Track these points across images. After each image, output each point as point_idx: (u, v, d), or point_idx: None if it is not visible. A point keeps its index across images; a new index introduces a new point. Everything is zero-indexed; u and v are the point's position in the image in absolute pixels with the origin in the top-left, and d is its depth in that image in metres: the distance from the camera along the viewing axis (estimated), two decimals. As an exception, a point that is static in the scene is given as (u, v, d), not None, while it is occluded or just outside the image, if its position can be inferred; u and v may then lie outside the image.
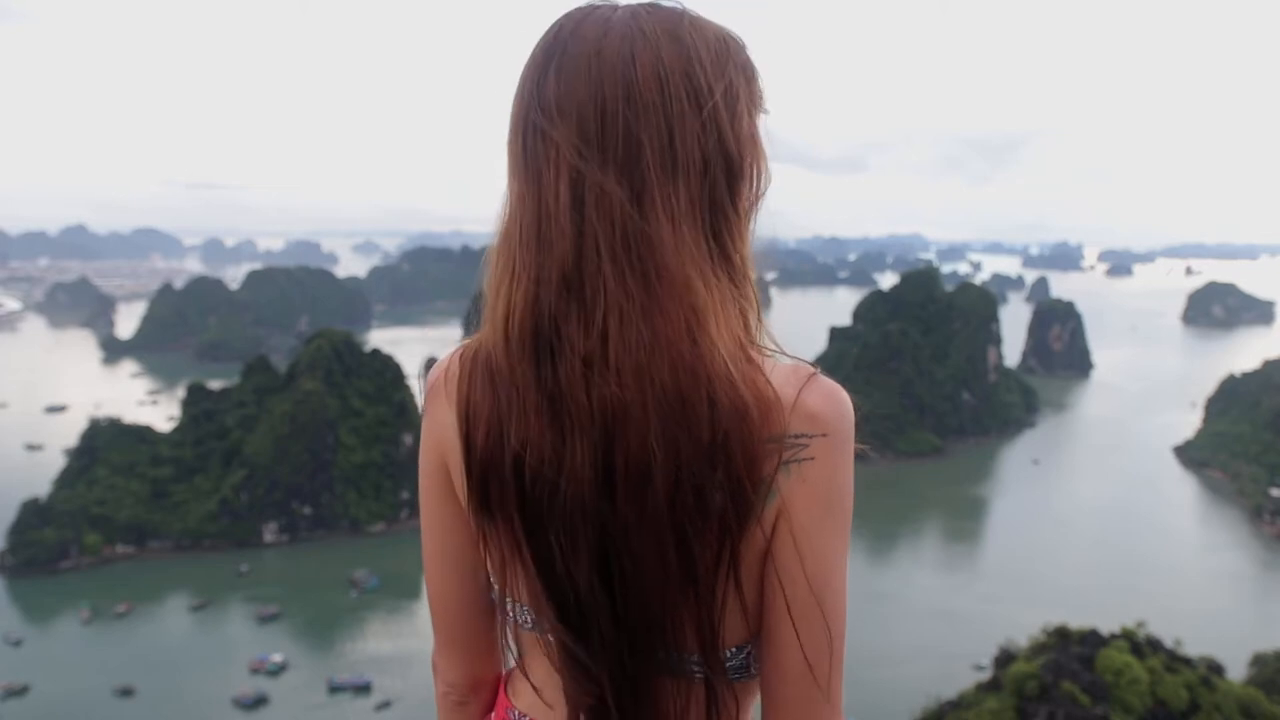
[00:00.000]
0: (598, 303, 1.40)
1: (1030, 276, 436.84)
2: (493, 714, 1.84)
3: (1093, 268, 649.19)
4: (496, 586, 1.65)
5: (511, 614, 1.65)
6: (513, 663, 1.80)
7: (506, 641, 1.72)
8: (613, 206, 1.39)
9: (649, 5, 1.49)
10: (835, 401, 1.54)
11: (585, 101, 1.41)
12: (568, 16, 1.50)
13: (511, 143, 1.51)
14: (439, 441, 1.70)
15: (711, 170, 1.45)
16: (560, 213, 1.41)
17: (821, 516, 1.51)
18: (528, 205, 1.47)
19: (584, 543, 1.42)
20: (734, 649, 1.52)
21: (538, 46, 1.51)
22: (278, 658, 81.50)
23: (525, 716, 1.72)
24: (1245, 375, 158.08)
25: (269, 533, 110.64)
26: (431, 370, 1.81)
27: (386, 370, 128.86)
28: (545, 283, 1.44)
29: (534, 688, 1.68)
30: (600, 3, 1.51)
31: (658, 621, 1.44)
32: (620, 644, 1.45)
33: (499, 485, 1.48)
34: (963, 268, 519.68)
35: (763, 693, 1.56)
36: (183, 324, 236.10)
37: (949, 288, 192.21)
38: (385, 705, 74.58)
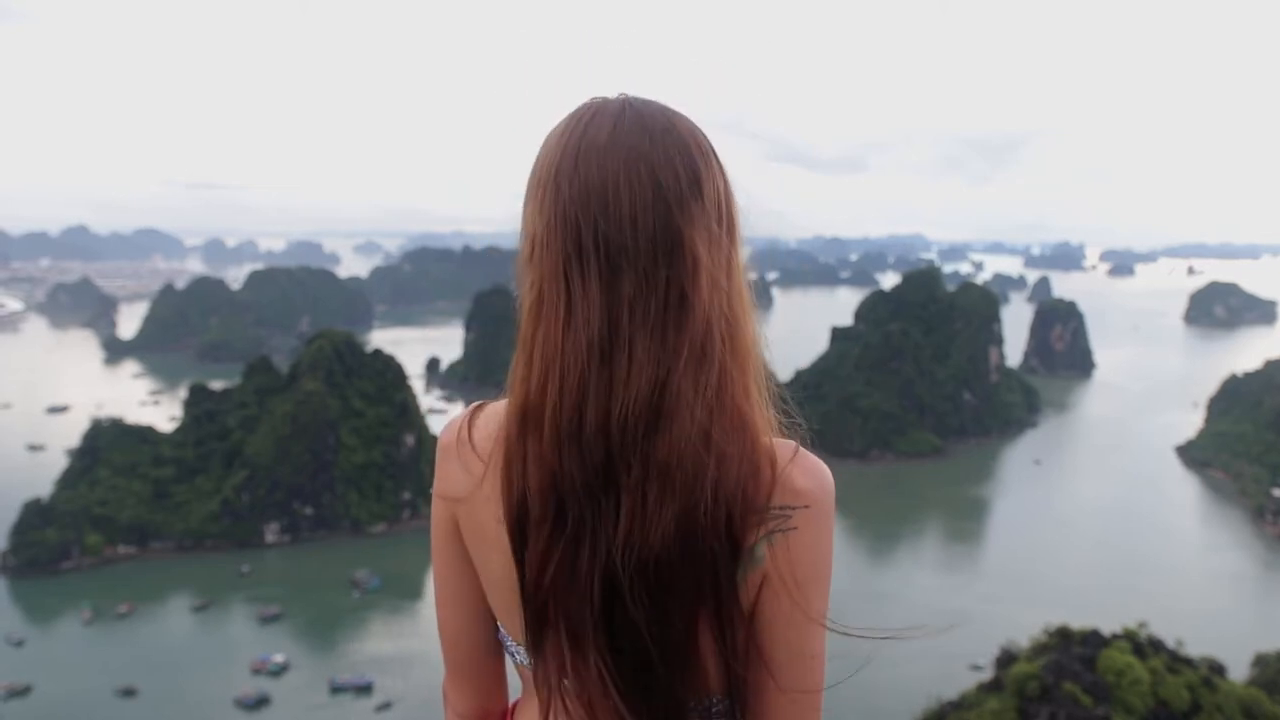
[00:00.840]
0: (680, 405, 1.61)
1: (1032, 276, 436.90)
2: None
3: (1094, 267, 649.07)
4: (524, 651, 1.81)
5: (520, 659, 1.86)
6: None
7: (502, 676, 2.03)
8: (719, 295, 1.69)
9: (661, 105, 1.74)
10: (817, 477, 1.68)
11: (650, 204, 1.63)
12: (604, 112, 1.68)
13: (567, 255, 1.64)
14: (451, 500, 1.86)
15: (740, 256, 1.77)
16: (637, 320, 1.63)
17: (803, 582, 1.65)
18: (598, 318, 1.62)
19: (644, 613, 1.60)
20: (719, 696, 1.72)
21: (586, 143, 1.66)
22: (279, 658, 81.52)
23: None
24: (1247, 375, 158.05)
25: (270, 533, 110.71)
26: (444, 431, 1.89)
27: (388, 371, 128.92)
28: (632, 400, 1.60)
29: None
30: (616, 97, 1.72)
31: (683, 675, 1.66)
32: (665, 700, 1.66)
33: (574, 600, 1.64)
34: (964, 268, 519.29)
35: None
36: (184, 324, 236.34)
37: (950, 288, 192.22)
38: (385, 706, 74.53)
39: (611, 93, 1.64)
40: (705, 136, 1.72)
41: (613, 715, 1.67)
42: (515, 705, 2.03)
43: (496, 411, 1.82)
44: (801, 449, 1.70)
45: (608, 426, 1.59)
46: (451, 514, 1.87)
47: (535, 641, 1.72)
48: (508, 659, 1.98)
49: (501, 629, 1.91)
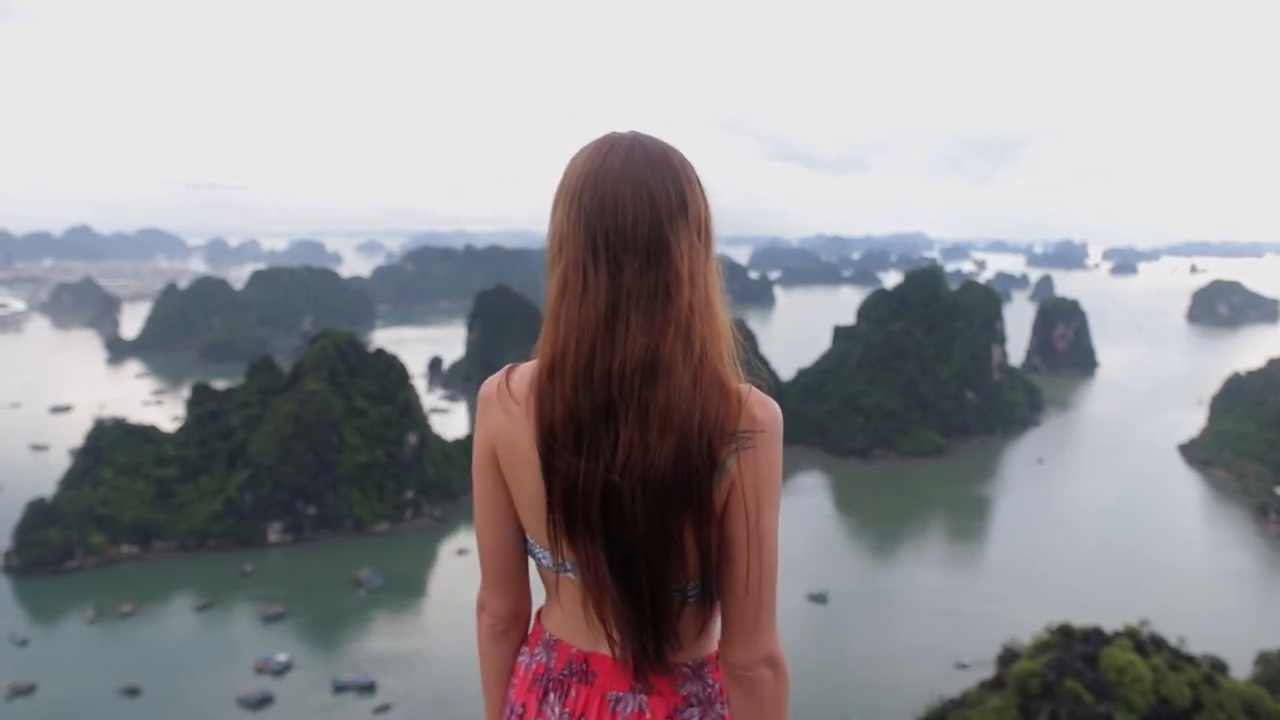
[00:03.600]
0: (673, 365, 2.28)
1: (1034, 275, 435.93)
2: (530, 636, 2.73)
3: (1097, 266, 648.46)
4: (548, 553, 2.51)
5: (544, 561, 2.54)
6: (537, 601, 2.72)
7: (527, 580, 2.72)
8: (698, 287, 2.36)
9: (662, 141, 2.44)
10: (770, 409, 2.36)
11: (643, 216, 2.33)
12: (619, 145, 2.40)
13: (585, 251, 2.33)
14: (490, 434, 2.53)
15: (714, 256, 2.46)
16: (637, 299, 2.31)
17: (759, 489, 2.32)
18: (605, 299, 2.30)
19: (643, 517, 2.26)
20: (694, 582, 2.41)
21: (604, 169, 2.35)
22: (282, 657, 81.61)
23: (555, 636, 2.61)
24: (1250, 374, 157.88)
25: (273, 533, 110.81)
26: (485, 386, 2.55)
27: (391, 370, 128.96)
28: (627, 358, 2.27)
29: (561, 615, 2.58)
30: (627, 132, 2.45)
31: (670, 564, 2.33)
32: (652, 583, 2.33)
33: (585, 504, 2.30)
34: (967, 266, 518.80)
35: (721, 610, 2.45)
36: (187, 324, 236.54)
37: (953, 286, 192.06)
38: (384, 709, 74.21)
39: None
40: (692, 168, 2.41)
41: (610, 595, 2.35)
42: (543, 605, 2.69)
43: (526, 369, 2.48)
44: (755, 389, 2.37)
45: (609, 376, 2.26)
46: (492, 447, 2.51)
47: (556, 539, 2.39)
48: (531, 571, 2.65)
49: (530, 539, 2.57)
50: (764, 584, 2.37)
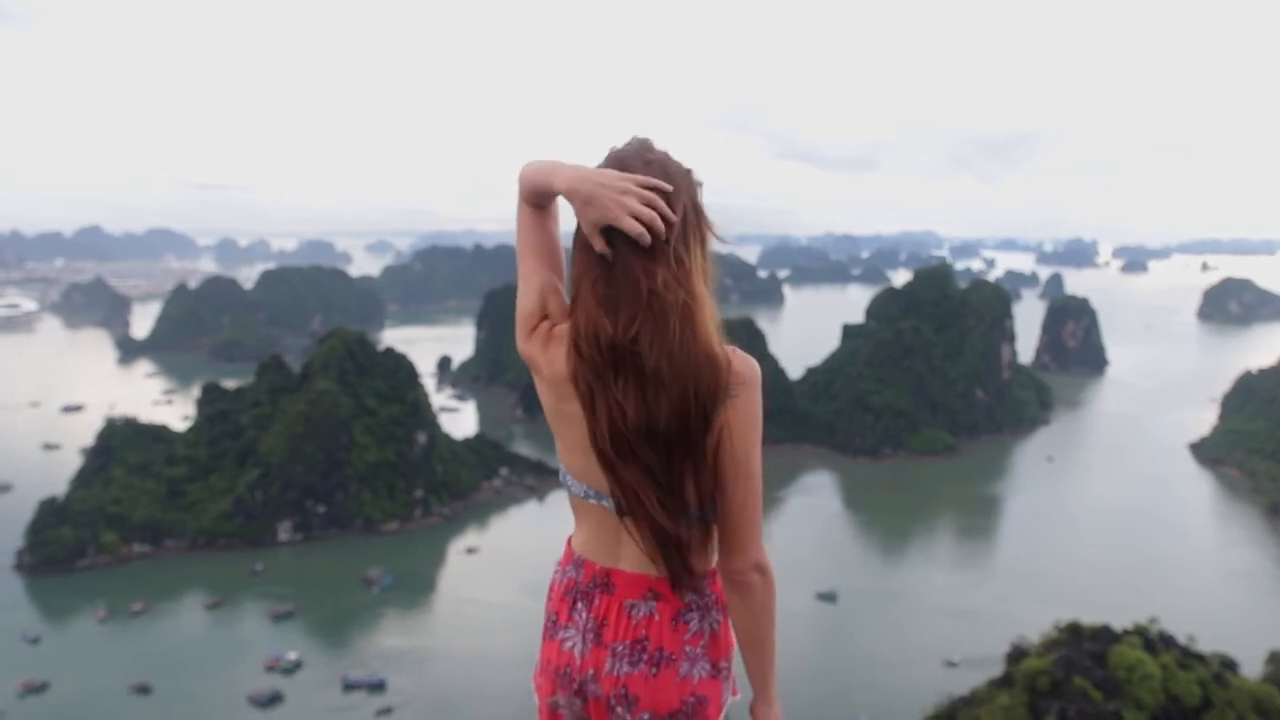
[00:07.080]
0: (649, 339, 2.80)
1: (1044, 273, 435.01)
2: (562, 557, 3.29)
3: (1107, 264, 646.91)
4: (580, 483, 3.07)
5: (575, 490, 3.11)
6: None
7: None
8: (681, 281, 2.86)
9: (652, 146, 2.96)
10: (750, 364, 2.91)
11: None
12: (633, 151, 2.94)
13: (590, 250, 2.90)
14: (537, 376, 3.15)
15: (706, 249, 2.98)
16: (644, 282, 2.85)
17: (744, 428, 2.89)
18: (603, 282, 2.87)
19: (658, 449, 2.82)
20: (694, 507, 2.95)
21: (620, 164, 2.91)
22: (292, 655, 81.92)
23: (582, 556, 3.18)
24: (1262, 372, 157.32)
25: (283, 531, 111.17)
26: (524, 346, 3.17)
27: (400, 369, 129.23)
28: (620, 333, 2.81)
29: (587, 536, 3.16)
30: (639, 138, 2.97)
31: (677, 492, 2.88)
32: (668, 507, 2.87)
33: (625, 444, 2.84)
34: (976, 264, 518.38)
35: (719, 528, 3.00)
36: (197, 324, 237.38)
37: (962, 285, 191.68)
38: (387, 711, 74.28)
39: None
40: (682, 177, 2.92)
41: (647, 521, 2.89)
42: (571, 536, 3.25)
43: (563, 330, 3.03)
44: (738, 350, 2.90)
45: (612, 343, 2.79)
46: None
47: (591, 471, 2.97)
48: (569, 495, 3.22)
49: (566, 472, 3.12)
50: (752, 506, 2.94)
